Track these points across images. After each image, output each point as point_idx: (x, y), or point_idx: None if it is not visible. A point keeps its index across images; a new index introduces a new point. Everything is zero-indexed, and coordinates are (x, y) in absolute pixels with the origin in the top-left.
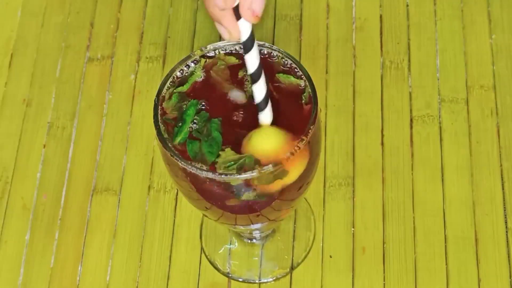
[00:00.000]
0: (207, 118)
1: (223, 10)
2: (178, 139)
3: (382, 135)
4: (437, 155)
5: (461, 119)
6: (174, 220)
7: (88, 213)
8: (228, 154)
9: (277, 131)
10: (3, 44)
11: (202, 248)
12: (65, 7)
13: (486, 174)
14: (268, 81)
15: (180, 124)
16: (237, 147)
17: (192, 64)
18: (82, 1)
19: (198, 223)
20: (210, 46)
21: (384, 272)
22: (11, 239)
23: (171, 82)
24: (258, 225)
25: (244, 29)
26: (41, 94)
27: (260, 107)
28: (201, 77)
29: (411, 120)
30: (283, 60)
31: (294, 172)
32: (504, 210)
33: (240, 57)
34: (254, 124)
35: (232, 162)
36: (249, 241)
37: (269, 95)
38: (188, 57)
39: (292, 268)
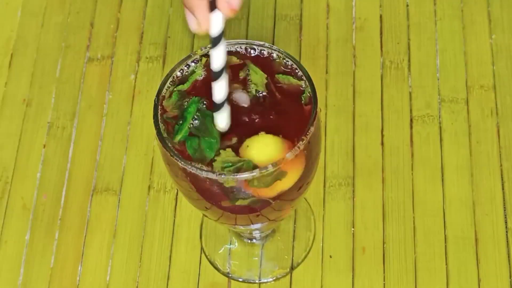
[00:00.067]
0: (207, 115)
1: (199, 0)
2: (179, 137)
3: (382, 135)
4: (437, 155)
5: (461, 119)
6: (174, 220)
7: (88, 213)
8: (228, 154)
9: (275, 139)
10: (3, 44)
11: (202, 248)
12: (65, 7)
13: (486, 174)
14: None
15: (180, 121)
16: (236, 145)
17: (193, 64)
18: (82, 1)
19: (198, 223)
20: (208, 47)
21: (384, 272)
22: (11, 239)
23: (171, 82)
24: (258, 225)
25: (215, 22)
26: (41, 94)
27: (217, 107)
28: (202, 76)
29: (411, 120)
30: (283, 60)
31: (293, 173)
32: (504, 210)
33: (242, 57)
34: (253, 121)
35: (230, 164)
36: (249, 241)
37: (227, 99)
38: (188, 57)
39: (292, 268)
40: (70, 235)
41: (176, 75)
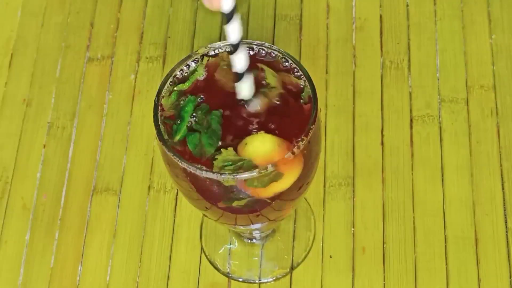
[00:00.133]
0: (207, 110)
1: None
2: (178, 137)
3: (382, 135)
4: (437, 155)
5: (461, 119)
6: (174, 220)
7: (88, 213)
8: (229, 153)
9: (274, 139)
10: (3, 44)
11: (202, 248)
12: (65, 7)
13: (486, 174)
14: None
15: (178, 121)
16: (237, 142)
17: (193, 64)
18: (82, 1)
19: (198, 223)
20: (210, 46)
21: (384, 272)
22: (11, 239)
23: (171, 82)
24: (258, 225)
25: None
26: (41, 94)
27: (239, 77)
28: (202, 76)
29: (411, 120)
30: (283, 60)
31: (292, 173)
32: (504, 210)
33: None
34: (256, 121)
35: (230, 163)
36: (249, 241)
37: (249, 70)
38: (188, 57)
39: (292, 268)
40: (70, 235)
41: (176, 75)
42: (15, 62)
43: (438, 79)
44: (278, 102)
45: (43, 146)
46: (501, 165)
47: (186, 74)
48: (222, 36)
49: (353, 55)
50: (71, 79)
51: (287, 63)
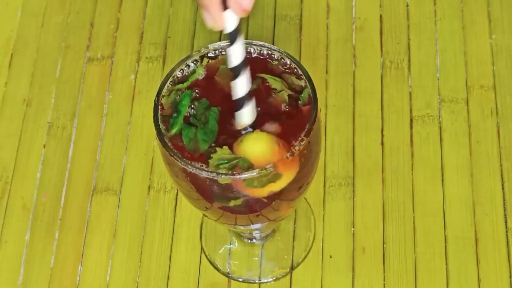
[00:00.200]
0: (207, 106)
1: None
2: (174, 131)
3: (382, 135)
4: (437, 155)
5: (461, 119)
6: (174, 220)
7: (88, 213)
8: (224, 152)
9: (270, 137)
10: (3, 44)
11: (202, 248)
12: (65, 7)
13: (486, 174)
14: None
15: (175, 115)
16: (232, 141)
17: (193, 64)
18: (82, 1)
19: (198, 223)
20: (210, 46)
21: (384, 272)
22: (11, 239)
23: (171, 82)
24: (258, 225)
25: (230, 20)
26: (41, 94)
27: (239, 104)
28: (202, 75)
29: (411, 120)
30: (283, 60)
31: (290, 173)
32: (504, 210)
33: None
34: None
35: (226, 161)
36: (249, 241)
37: (251, 95)
38: (188, 57)
39: (292, 268)
40: (70, 235)
41: (176, 75)
42: (15, 62)
43: (438, 79)
44: (287, 106)
45: (43, 146)
46: (501, 165)
47: (186, 74)
48: (222, 36)
49: (353, 55)
50: (71, 79)
51: (287, 63)
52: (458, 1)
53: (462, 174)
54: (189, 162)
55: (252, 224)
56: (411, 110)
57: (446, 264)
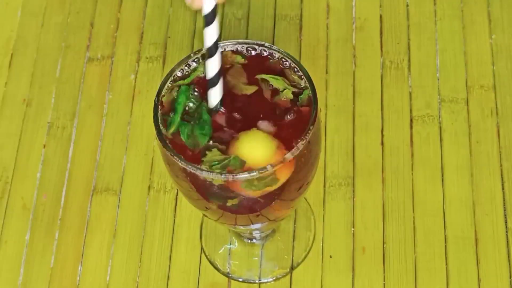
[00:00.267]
0: (199, 102)
1: None
2: (172, 129)
3: (382, 135)
4: (437, 155)
5: (461, 119)
6: (174, 220)
7: (88, 213)
8: (214, 154)
9: (266, 136)
10: (3, 44)
11: (202, 248)
12: (65, 7)
13: (486, 174)
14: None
15: (172, 113)
16: (228, 134)
17: (194, 64)
18: (82, 1)
19: (198, 223)
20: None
21: (384, 272)
22: (11, 239)
23: (171, 81)
24: (258, 225)
25: (207, 2)
26: (41, 94)
27: (212, 82)
28: (203, 73)
29: (411, 120)
30: (283, 60)
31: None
32: (504, 210)
33: (246, 56)
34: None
35: (217, 162)
36: (249, 241)
37: (221, 74)
38: (188, 57)
39: (292, 268)
40: (70, 235)
41: (176, 75)
42: (15, 62)
43: (438, 79)
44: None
45: (43, 146)
46: (501, 165)
47: (187, 73)
48: (222, 36)
49: (353, 55)
50: (71, 79)
51: (287, 63)
52: (458, 1)
53: (462, 174)
54: (189, 162)
55: (252, 224)
56: (411, 110)
57: (446, 264)
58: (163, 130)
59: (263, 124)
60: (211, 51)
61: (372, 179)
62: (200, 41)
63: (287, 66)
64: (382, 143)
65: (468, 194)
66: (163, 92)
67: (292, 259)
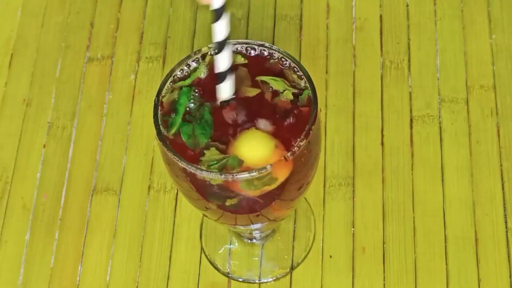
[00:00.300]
0: (201, 103)
1: None
2: (173, 130)
3: (382, 135)
4: (437, 155)
5: (461, 119)
6: (174, 220)
7: (88, 213)
8: (212, 153)
9: (264, 136)
10: (3, 44)
11: (202, 248)
12: (65, 7)
13: (486, 174)
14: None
15: (173, 114)
16: (229, 134)
17: (193, 64)
18: (82, 1)
19: (198, 223)
20: (211, 46)
21: (384, 272)
22: (11, 239)
23: (171, 82)
24: (258, 225)
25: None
26: (41, 94)
27: (221, 77)
28: (204, 73)
29: (411, 120)
30: (283, 60)
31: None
32: (504, 210)
33: (246, 56)
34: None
35: (215, 162)
36: (249, 241)
37: (232, 70)
38: (188, 57)
39: (292, 268)
40: (70, 235)
41: (176, 75)
42: (15, 62)
43: (438, 79)
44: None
45: (43, 146)
46: (501, 165)
47: (186, 74)
48: None
49: (353, 55)
50: (71, 79)
51: (287, 63)
52: (458, 1)
53: (462, 174)
54: (189, 162)
55: (252, 224)
56: (411, 110)
57: (446, 264)
58: (164, 131)
59: (262, 123)
60: (221, 47)
61: (372, 179)
62: (200, 41)
63: (287, 66)
64: (382, 143)
65: (468, 194)
66: (163, 92)
67: (292, 259)
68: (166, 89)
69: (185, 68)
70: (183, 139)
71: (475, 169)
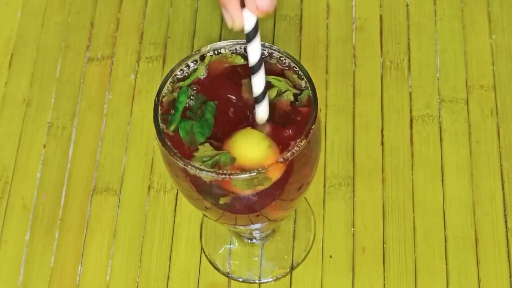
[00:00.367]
0: (203, 100)
1: None
2: (172, 128)
3: (382, 135)
4: (437, 155)
5: (461, 119)
6: (174, 220)
7: (88, 213)
8: (206, 149)
9: (259, 136)
10: (3, 44)
11: (202, 248)
12: (65, 7)
13: (486, 174)
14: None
15: (173, 111)
16: (227, 135)
17: (192, 64)
18: (82, 1)
19: (198, 223)
20: (210, 46)
21: (384, 272)
22: (11, 239)
23: (171, 82)
24: (258, 225)
25: (248, 19)
26: (41, 94)
27: (258, 99)
28: (203, 74)
29: (411, 120)
30: (283, 60)
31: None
32: (504, 210)
33: (246, 57)
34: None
35: (208, 158)
36: (249, 241)
37: (267, 89)
38: (188, 57)
39: (292, 268)
40: (70, 235)
41: (176, 75)
42: (15, 62)
43: (438, 79)
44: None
45: (43, 146)
46: (501, 165)
47: (186, 74)
48: (222, 36)
49: (353, 55)
50: (71, 79)
51: (287, 63)
52: (458, 1)
53: (462, 174)
54: (189, 161)
55: (252, 224)
56: (411, 110)
57: (446, 264)
58: (163, 127)
59: (261, 125)
60: (255, 69)
61: (372, 179)
62: (200, 41)
63: (287, 66)
64: (382, 143)
65: (468, 194)
66: (163, 92)
67: (292, 259)
68: (166, 89)
69: (185, 68)
70: (181, 134)
71: (475, 169)
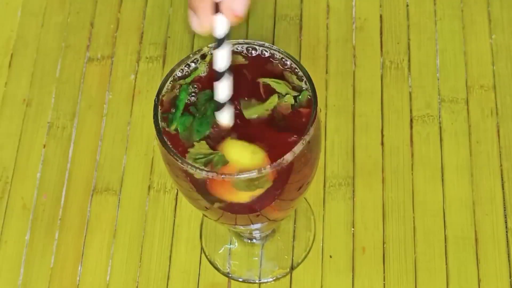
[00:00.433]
0: (209, 98)
1: (202, 1)
2: (173, 126)
3: (382, 135)
4: (437, 155)
5: (461, 119)
6: (174, 220)
7: (88, 213)
8: (202, 146)
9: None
10: (3, 44)
11: (202, 248)
12: (65, 7)
13: (486, 174)
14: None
15: (173, 110)
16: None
17: (193, 64)
18: (82, 1)
19: (198, 223)
20: (210, 46)
21: (384, 272)
22: (11, 239)
23: (171, 81)
24: (258, 225)
25: (220, 25)
26: (41, 94)
27: (220, 106)
28: (204, 73)
29: (411, 120)
30: (283, 60)
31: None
32: (504, 210)
33: (247, 57)
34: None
35: (202, 156)
36: (249, 241)
37: (230, 70)
38: (188, 57)
39: (292, 268)
40: (70, 235)
41: (176, 75)
42: (15, 62)
43: (438, 79)
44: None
45: (43, 146)
46: (501, 165)
47: (187, 73)
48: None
49: (353, 55)
50: (71, 79)
51: (287, 63)
52: (458, 1)
53: (462, 174)
54: (189, 162)
55: (252, 224)
56: (411, 110)
57: (446, 264)
58: (164, 125)
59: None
60: (220, 75)
61: (372, 179)
62: (200, 41)
63: (287, 66)
64: (382, 143)
65: (468, 194)
66: (163, 92)
67: (292, 259)
68: (166, 89)
69: (185, 68)
70: (179, 129)
71: (475, 169)
